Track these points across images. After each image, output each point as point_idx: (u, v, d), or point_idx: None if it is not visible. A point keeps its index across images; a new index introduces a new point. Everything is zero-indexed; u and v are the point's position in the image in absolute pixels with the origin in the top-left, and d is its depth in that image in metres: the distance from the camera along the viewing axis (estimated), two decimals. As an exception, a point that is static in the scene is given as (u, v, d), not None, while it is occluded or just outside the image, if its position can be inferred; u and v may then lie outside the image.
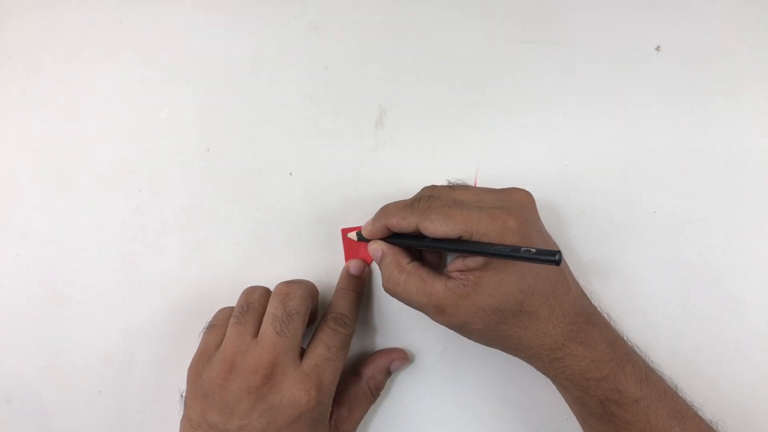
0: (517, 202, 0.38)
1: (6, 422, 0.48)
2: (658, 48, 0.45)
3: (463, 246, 0.35)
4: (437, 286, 0.37)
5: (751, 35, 0.44)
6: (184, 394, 0.40)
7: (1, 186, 0.49)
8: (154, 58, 0.48)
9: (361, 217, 0.45)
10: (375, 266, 0.46)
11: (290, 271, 0.46)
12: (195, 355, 0.40)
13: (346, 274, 0.44)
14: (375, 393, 0.44)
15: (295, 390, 0.37)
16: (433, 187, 0.40)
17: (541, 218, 0.40)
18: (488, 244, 0.34)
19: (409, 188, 0.45)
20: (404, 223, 0.38)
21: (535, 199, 0.39)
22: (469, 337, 0.38)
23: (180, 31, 0.48)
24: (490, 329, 0.37)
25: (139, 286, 0.47)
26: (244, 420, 0.36)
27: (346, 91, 0.47)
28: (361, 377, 0.43)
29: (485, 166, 0.45)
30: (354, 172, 0.46)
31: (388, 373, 0.44)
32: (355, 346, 0.46)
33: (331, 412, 0.40)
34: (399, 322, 0.45)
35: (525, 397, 0.44)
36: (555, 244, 0.40)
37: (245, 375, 0.37)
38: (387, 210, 0.40)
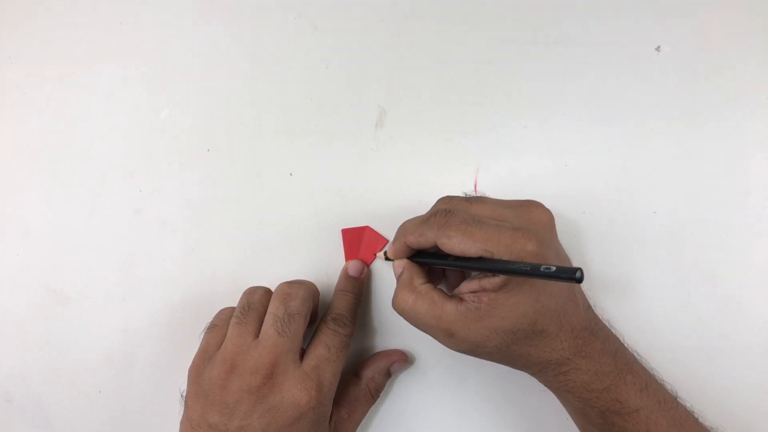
0: (536, 222, 0.37)
1: (6, 422, 0.48)
2: (658, 48, 0.45)
3: (483, 264, 0.35)
4: (447, 309, 0.36)
5: (751, 35, 0.44)
6: (184, 394, 0.40)
7: (1, 186, 0.49)
8: (154, 58, 0.48)
9: (361, 218, 0.45)
10: (374, 267, 0.46)
11: (290, 272, 0.46)
12: (196, 355, 0.40)
13: (345, 275, 0.44)
14: (375, 394, 0.44)
15: (296, 390, 0.37)
16: (450, 199, 0.39)
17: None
18: (508, 261, 0.34)
19: (409, 188, 0.46)
20: (422, 239, 0.37)
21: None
22: (479, 357, 0.38)
23: (180, 31, 0.48)
24: (501, 350, 0.36)
25: (139, 286, 0.47)
26: (245, 420, 0.36)
27: (346, 91, 0.47)
28: (361, 378, 0.43)
29: (485, 166, 0.45)
30: (354, 173, 0.46)
31: (388, 374, 0.44)
32: (355, 348, 0.46)
33: (331, 413, 0.40)
34: (399, 324, 0.45)
35: (525, 398, 0.44)
36: (570, 263, 0.40)
37: (246, 375, 0.37)
38: (404, 228, 0.39)
